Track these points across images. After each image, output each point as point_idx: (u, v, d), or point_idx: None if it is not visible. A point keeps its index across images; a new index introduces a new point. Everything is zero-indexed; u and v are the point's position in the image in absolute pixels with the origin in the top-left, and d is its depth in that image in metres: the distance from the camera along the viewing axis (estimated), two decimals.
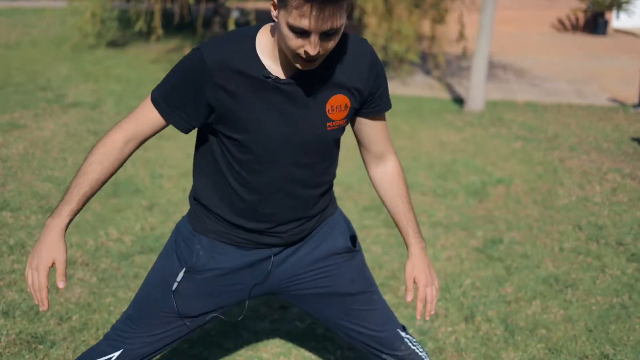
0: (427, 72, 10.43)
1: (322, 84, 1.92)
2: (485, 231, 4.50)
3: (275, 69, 1.88)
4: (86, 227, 4.33)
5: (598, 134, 7.05)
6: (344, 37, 1.94)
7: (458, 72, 10.54)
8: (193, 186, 2.13)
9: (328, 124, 1.96)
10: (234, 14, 13.27)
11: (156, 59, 11.09)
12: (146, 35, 11.77)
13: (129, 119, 1.96)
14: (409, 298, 2.11)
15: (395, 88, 9.17)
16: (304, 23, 1.68)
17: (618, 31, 17.21)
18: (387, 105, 2.09)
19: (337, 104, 1.95)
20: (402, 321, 3.08)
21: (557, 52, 13.32)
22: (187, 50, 11.70)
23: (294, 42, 1.73)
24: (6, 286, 3.55)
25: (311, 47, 1.72)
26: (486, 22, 7.80)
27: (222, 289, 2.13)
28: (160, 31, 10.38)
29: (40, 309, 1.87)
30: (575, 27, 17.42)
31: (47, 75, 9.07)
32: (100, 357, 2.17)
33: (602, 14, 16.60)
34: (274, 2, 1.77)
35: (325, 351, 3.13)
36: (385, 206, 2.20)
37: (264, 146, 1.93)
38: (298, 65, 1.80)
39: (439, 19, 9.74)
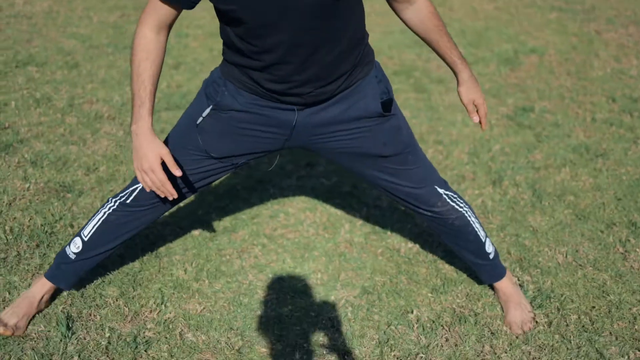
0: None
1: None
2: (516, 99, 4.41)
3: None
4: (112, 83, 4.28)
5: (637, 8, 6.79)
6: None
7: None
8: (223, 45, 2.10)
9: None
10: None
11: None
12: None
13: (147, 11, 1.96)
14: (476, 119, 2.18)
15: None
16: None
17: None
18: None
19: None
20: None
21: None
22: None
23: None
24: (34, 137, 3.55)
25: None
26: None
27: (247, 133, 2.12)
28: None
29: (170, 198, 1.98)
30: None
31: None
32: (127, 189, 2.23)
33: None
34: None
35: (351, 208, 3.13)
36: (426, 43, 2.14)
37: (258, 15, 1.84)
38: None
39: None
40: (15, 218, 2.87)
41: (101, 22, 5.48)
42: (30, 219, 2.87)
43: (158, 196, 2.20)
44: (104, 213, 2.25)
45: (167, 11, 1.93)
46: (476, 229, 2.39)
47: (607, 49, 5.48)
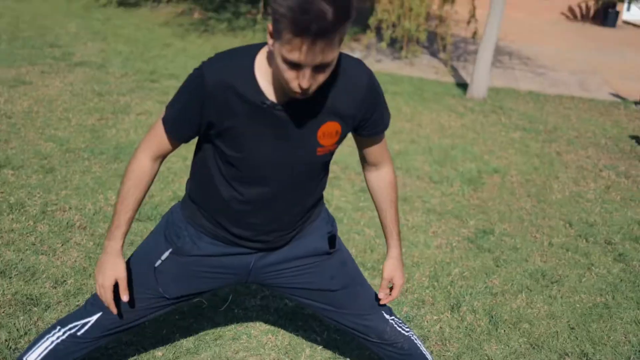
0: (433, 54, 10.42)
1: (316, 110, 1.95)
2: (478, 221, 4.56)
3: (271, 93, 1.91)
4: (86, 190, 4.38)
5: (597, 129, 7.09)
6: (340, 61, 1.95)
7: (464, 55, 10.53)
8: (188, 181, 2.21)
9: (318, 149, 2.01)
10: None
11: (165, 21, 11.08)
12: None
13: (150, 139, 2.07)
14: (382, 295, 2.35)
15: (400, 68, 9.19)
16: (296, 57, 1.70)
17: (627, 23, 17.18)
18: (383, 126, 2.15)
19: (328, 130, 1.99)
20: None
21: (565, 41, 13.29)
22: (196, 15, 11.69)
23: (288, 73, 1.75)
24: (4, 245, 3.61)
25: (304, 80, 1.75)
26: (497, 7, 7.79)
27: (204, 276, 2.25)
28: None
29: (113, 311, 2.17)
30: (585, 17, 17.40)
31: (56, 32, 9.06)
32: (78, 321, 2.26)
33: (613, 5, 16.54)
34: (270, 32, 1.77)
35: (312, 331, 3.20)
36: (376, 208, 2.32)
37: (255, 166, 2.00)
38: (293, 95, 1.83)
39: None
40: None
41: (79, 124, 5.61)
42: None
43: (110, 330, 2.26)
44: (52, 342, 2.24)
45: (167, 144, 2.05)
46: (424, 352, 2.49)
47: (566, 170, 5.71)
